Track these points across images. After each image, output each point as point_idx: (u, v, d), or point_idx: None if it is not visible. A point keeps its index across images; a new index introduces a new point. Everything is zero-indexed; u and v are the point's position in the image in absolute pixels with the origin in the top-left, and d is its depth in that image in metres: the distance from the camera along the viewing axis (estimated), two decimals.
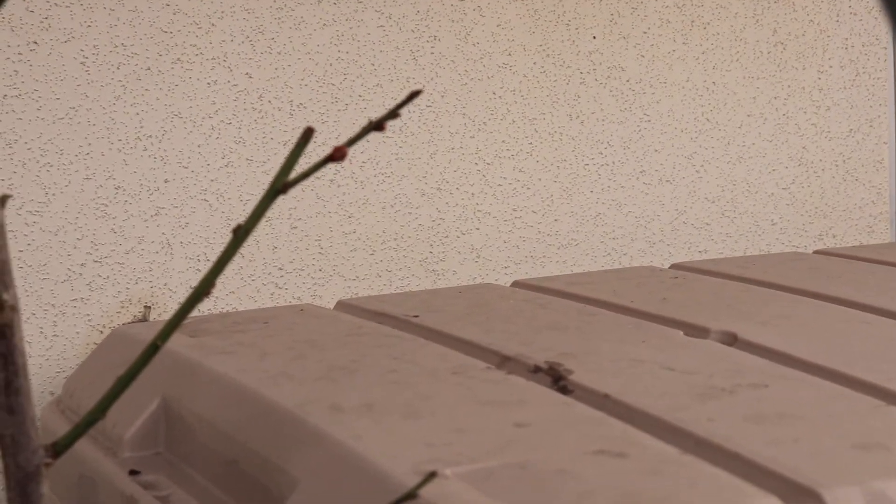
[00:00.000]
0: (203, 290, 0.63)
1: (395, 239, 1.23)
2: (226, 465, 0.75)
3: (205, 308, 1.14)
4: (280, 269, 1.18)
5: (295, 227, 1.18)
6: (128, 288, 1.11)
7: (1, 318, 0.58)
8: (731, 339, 0.86)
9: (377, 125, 0.63)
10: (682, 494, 0.58)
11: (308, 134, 0.65)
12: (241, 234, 0.63)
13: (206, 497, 0.74)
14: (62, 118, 1.08)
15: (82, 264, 1.09)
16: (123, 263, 1.11)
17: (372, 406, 0.71)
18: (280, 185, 0.64)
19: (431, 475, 0.55)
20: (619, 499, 0.57)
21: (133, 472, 0.79)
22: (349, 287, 1.21)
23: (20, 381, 0.59)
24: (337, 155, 0.64)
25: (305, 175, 0.64)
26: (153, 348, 0.62)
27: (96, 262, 1.10)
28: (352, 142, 0.63)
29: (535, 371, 0.79)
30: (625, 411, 0.70)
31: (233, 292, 1.16)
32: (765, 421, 0.68)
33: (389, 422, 0.69)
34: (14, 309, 0.58)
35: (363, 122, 0.62)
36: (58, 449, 0.61)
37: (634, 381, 0.76)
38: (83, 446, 0.86)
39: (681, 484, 0.59)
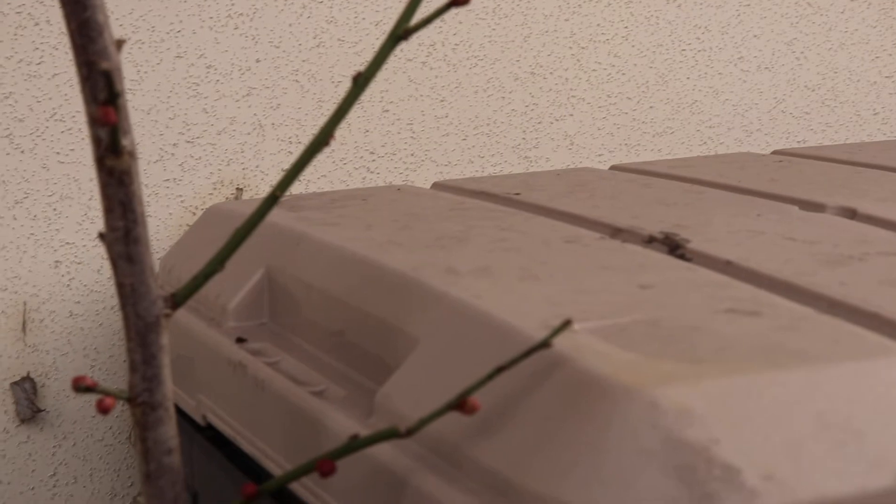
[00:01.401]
0: (322, 139, 0.61)
1: (488, 124, 1.20)
2: (334, 331, 0.73)
3: (296, 190, 1.12)
4: (372, 153, 1.16)
5: (387, 111, 1.16)
6: (220, 169, 1.09)
7: (119, 165, 0.57)
8: (851, 214, 0.83)
9: None
10: (825, 349, 0.55)
11: None
12: (361, 81, 0.61)
13: (315, 363, 0.73)
14: None
15: (174, 144, 1.07)
16: (215, 144, 1.09)
17: (488, 269, 0.69)
18: (401, 32, 0.62)
19: (566, 323, 0.53)
20: (759, 353, 0.55)
21: (240, 340, 0.78)
22: (441, 172, 1.19)
23: (139, 230, 0.58)
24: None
25: (427, 21, 0.61)
26: (271, 199, 0.60)
27: (188, 142, 1.08)
28: None
29: (649, 241, 0.77)
30: (750, 276, 0.68)
31: (324, 176, 1.14)
32: None
33: (508, 283, 0.67)
34: (132, 155, 0.57)
35: None
36: (177, 300, 0.59)
37: (756, 250, 0.73)
38: (186, 318, 0.85)
39: (822, 339, 0.57)
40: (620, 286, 0.66)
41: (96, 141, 0.56)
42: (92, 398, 1.05)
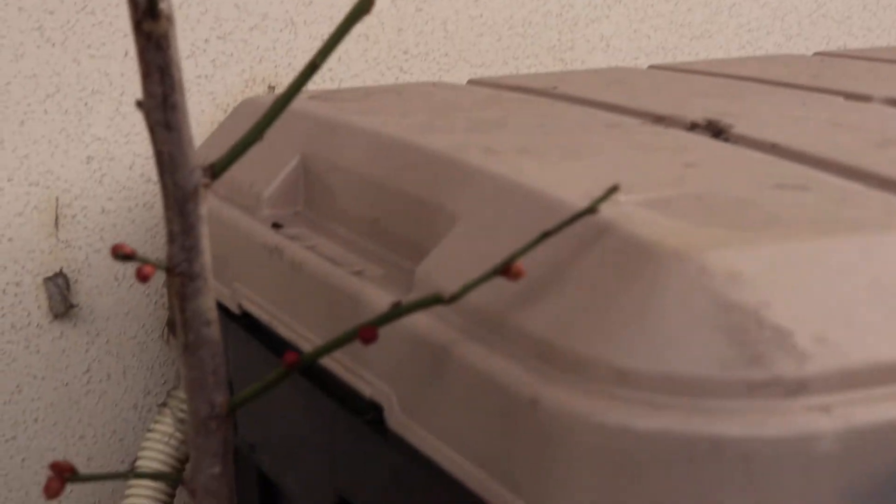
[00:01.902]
0: (363, 7, 0.59)
1: (523, 25, 1.19)
2: (371, 217, 0.72)
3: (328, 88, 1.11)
4: (405, 52, 1.14)
5: (420, 10, 1.14)
6: (251, 67, 1.08)
7: (156, 29, 0.55)
8: None
9: None
10: (878, 219, 0.54)
11: None
12: None
13: (353, 246, 0.72)
14: None
15: (206, 40, 1.06)
16: (247, 41, 1.08)
17: (528, 149, 0.68)
18: None
19: (613, 189, 0.52)
20: (810, 223, 0.53)
21: (276, 226, 0.77)
22: (475, 73, 1.17)
23: (177, 97, 0.57)
24: None
25: None
26: (311, 67, 0.59)
27: (220, 38, 1.07)
28: None
29: (692, 127, 0.75)
30: (798, 156, 0.66)
31: (356, 75, 1.13)
32: None
33: (550, 161, 0.65)
34: (170, 20, 0.56)
35: None
36: (215, 170, 0.59)
37: (802, 134, 0.71)
38: (220, 207, 0.84)
39: (874, 211, 0.55)
40: (664, 164, 0.65)
41: (133, 5, 0.55)
42: (124, 296, 1.05)
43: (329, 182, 0.78)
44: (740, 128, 0.73)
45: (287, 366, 0.55)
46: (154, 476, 0.61)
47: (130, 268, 1.05)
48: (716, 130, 0.74)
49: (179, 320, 0.58)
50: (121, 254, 0.56)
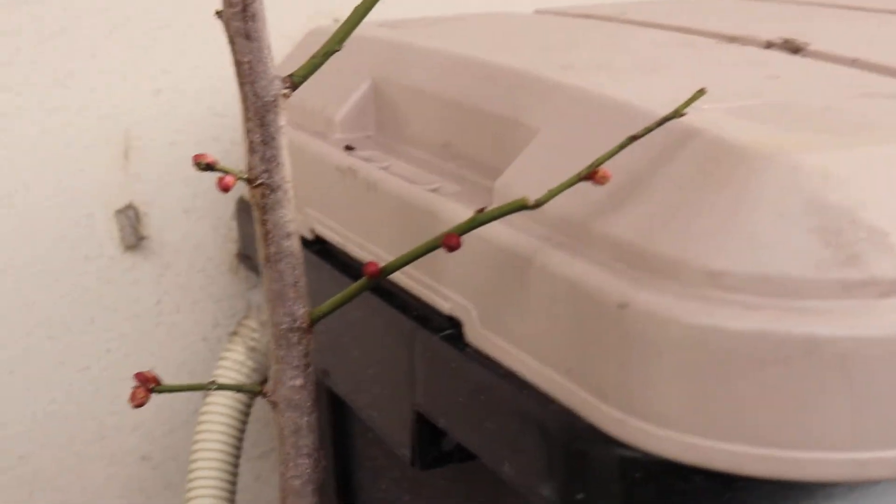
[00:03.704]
0: None
1: None
2: (446, 139, 0.72)
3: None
4: None
5: None
6: (316, 1, 1.08)
7: None
8: None
9: None
10: None
11: None
12: None
13: (427, 166, 0.72)
14: None
15: None
16: None
17: (606, 65, 0.67)
18: None
19: (700, 92, 0.52)
20: None
21: (348, 148, 0.77)
22: (540, 5, 1.16)
23: (257, 6, 0.56)
24: None
25: None
26: None
27: None
28: None
29: (768, 46, 0.74)
30: (881, 69, 0.65)
31: (421, 9, 1.12)
32: None
33: (629, 76, 0.65)
34: None
35: None
36: (295, 80, 0.58)
37: (883, 49, 0.70)
38: (290, 132, 0.84)
39: None
40: (746, 77, 0.64)
41: None
42: (193, 229, 1.05)
43: (401, 105, 0.78)
44: (818, 45, 0.72)
45: (369, 275, 0.55)
46: (235, 388, 0.61)
47: (199, 200, 1.06)
48: (793, 48, 0.73)
49: (260, 232, 0.58)
50: (203, 163, 0.56)
